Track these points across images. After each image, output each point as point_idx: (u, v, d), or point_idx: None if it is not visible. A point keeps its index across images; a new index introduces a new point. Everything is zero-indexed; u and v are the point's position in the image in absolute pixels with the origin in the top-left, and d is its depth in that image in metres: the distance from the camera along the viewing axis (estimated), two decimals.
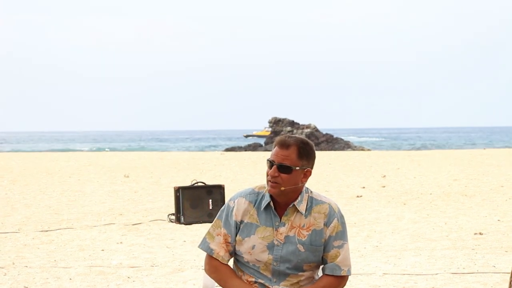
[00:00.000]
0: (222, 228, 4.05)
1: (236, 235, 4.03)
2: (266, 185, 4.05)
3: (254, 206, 4.02)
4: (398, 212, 13.35)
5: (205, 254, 4.15)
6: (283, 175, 3.90)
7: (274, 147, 3.98)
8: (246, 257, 4.00)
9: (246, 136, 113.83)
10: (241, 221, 4.02)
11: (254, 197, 4.04)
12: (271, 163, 3.94)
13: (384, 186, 18.45)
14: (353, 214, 12.79)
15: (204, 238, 4.11)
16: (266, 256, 3.96)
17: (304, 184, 3.99)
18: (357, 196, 16.07)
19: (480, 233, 10.62)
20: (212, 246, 4.06)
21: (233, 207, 4.04)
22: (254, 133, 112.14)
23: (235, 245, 4.06)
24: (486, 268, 8.23)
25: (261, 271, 4.00)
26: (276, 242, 3.96)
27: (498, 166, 25.99)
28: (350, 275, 4.05)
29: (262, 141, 67.57)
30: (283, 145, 3.93)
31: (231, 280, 4.01)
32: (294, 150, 3.92)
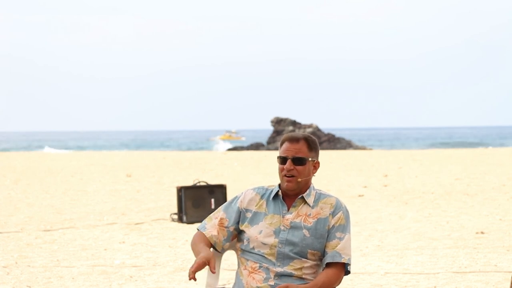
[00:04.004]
0: (221, 212, 4.28)
1: (237, 222, 4.24)
2: (275, 184, 4.30)
3: (262, 198, 4.25)
4: (400, 211, 13.37)
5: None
6: (298, 167, 4.18)
7: (283, 144, 4.25)
8: (253, 242, 4.18)
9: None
10: (246, 210, 4.23)
11: (263, 191, 4.29)
12: (284, 159, 4.20)
13: (386, 185, 18.47)
14: (354, 213, 12.81)
15: (203, 221, 4.34)
16: (272, 240, 4.15)
17: (313, 175, 4.26)
18: (359, 195, 16.09)
19: (482, 232, 10.63)
20: (207, 226, 4.28)
21: (240, 196, 4.30)
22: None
23: (231, 233, 4.25)
24: (488, 267, 8.24)
25: (265, 256, 4.15)
26: (282, 228, 4.17)
27: (499, 165, 26.01)
28: (350, 264, 4.20)
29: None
30: (293, 140, 4.22)
31: (199, 244, 4.20)
32: (304, 143, 4.22)
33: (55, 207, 14.46)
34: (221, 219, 4.25)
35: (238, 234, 4.28)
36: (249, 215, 4.22)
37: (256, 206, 4.23)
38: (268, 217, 4.19)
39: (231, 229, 4.24)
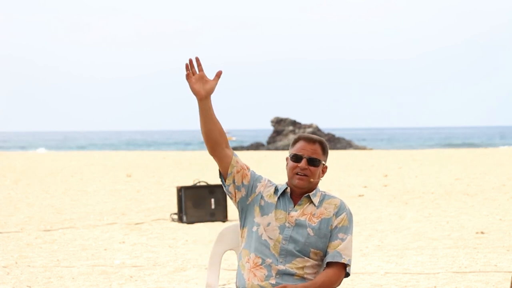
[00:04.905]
0: (247, 170, 4.28)
1: (249, 190, 4.26)
2: (283, 183, 4.33)
3: (274, 193, 4.30)
4: (400, 211, 13.37)
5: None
6: (311, 167, 4.23)
7: (297, 142, 4.28)
8: (261, 230, 4.23)
9: None
10: (262, 196, 4.27)
11: (275, 188, 4.32)
12: (299, 157, 4.23)
13: (386, 185, 18.47)
14: (354, 213, 12.80)
15: None
16: (277, 235, 4.19)
17: (320, 179, 4.30)
18: (359, 195, 16.09)
19: (482, 232, 10.63)
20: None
21: (263, 180, 4.32)
22: None
23: (240, 186, 4.26)
24: (488, 267, 8.24)
25: (270, 249, 4.19)
26: (287, 225, 4.21)
27: (499, 165, 26.02)
28: (350, 266, 4.23)
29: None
30: (310, 140, 4.27)
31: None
32: (319, 146, 4.27)
33: (55, 207, 14.46)
34: (246, 169, 4.27)
35: (242, 208, 4.29)
36: (262, 202, 4.27)
37: (268, 196, 4.28)
38: (276, 211, 4.24)
39: (247, 177, 4.26)
